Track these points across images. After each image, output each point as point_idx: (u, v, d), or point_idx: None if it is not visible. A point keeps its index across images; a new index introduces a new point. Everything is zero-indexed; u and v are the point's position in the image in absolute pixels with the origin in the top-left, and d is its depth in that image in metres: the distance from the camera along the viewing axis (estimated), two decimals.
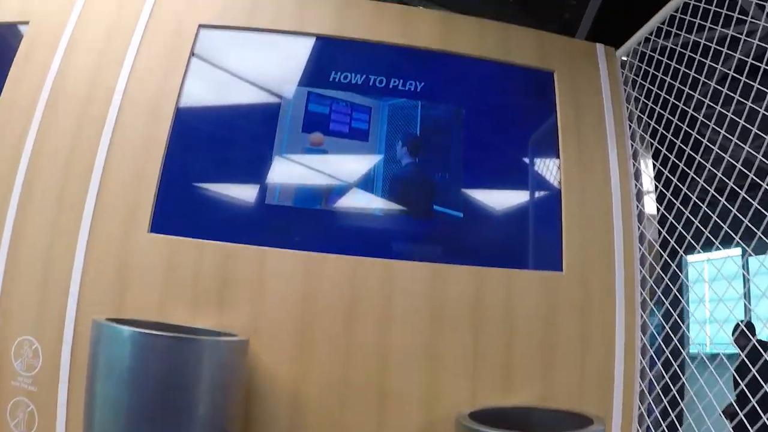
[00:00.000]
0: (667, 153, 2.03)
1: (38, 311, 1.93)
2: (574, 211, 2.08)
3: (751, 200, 1.64)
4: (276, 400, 1.88)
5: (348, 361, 1.91)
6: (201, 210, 2.08)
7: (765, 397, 1.54)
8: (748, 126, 1.68)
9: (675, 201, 1.93)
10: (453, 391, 1.92)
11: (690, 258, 2.05)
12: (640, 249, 2.06)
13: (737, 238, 1.68)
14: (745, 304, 1.83)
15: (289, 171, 2.14)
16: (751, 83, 1.68)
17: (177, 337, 1.70)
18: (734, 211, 1.70)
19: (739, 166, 1.70)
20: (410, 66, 2.24)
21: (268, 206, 2.09)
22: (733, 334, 2.20)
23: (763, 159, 1.63)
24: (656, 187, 2.07)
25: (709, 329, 1.91)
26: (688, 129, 1.95)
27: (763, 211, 1.61)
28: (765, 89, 1.67)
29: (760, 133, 1.65)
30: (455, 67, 2.26)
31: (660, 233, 2.04)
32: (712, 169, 1.82)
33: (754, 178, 1.65)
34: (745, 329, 2.23)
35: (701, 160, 1.88)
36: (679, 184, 1.96)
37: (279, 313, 1.93)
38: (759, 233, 1.60)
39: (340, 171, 2.15)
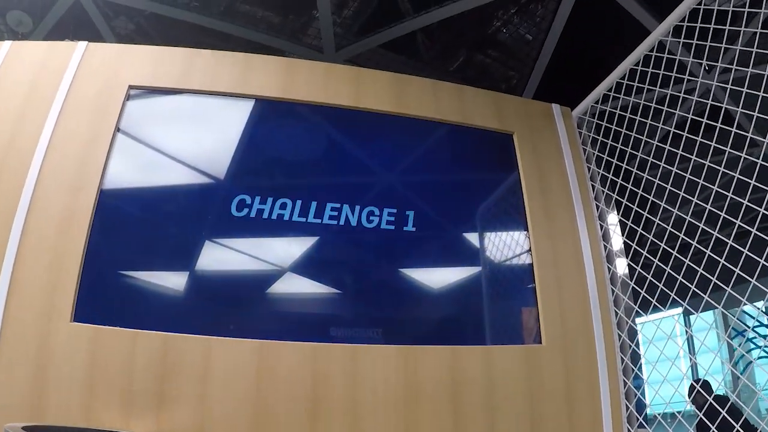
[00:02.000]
0: (623, 220, 2.01)
1: None
2: (549, 279, 1.97)
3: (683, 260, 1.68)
4: None
5: None
6: (132, 295, 1.80)
7: None
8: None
9: (634, 265, 1.90)
10: None
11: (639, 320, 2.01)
12: (616, 313, 1.97)
13: (674, 297, 1.71)
14: (690, 359, 1.82)
15: (229, 254, 1.90)
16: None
17: None
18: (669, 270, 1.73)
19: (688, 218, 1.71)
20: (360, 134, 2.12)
21: (211, 290, 1.85)
22: (689, 395, 2.16)
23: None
24: (625, 246, 2.02)
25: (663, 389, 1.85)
26: (640, 190, 1.94)
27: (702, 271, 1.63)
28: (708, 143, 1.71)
29: (707, 184, 1.67)
30: (409, 129, 2.16)
31: (634, 294, 1.98)
32: (661, 224, 1.83)
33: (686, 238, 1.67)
34: (699, 388, 2.16)
35: (650, 217, 1.88)
36: (634, 245, 1.93)
37: (229, 413, 1.64)
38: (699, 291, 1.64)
39: (286, 252, 1.93)
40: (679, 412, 1.82)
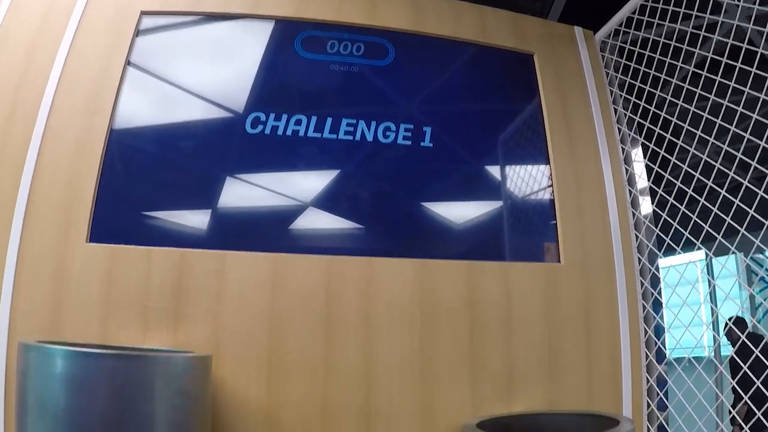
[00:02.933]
0: (645, 142, 1.95)
1: None
2: (569, 198, 1.92)
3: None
4: (247, 425, 1.59)
5: (327, 377, 1.65)
6: (146, 214, 1.78)
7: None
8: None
9: (667, 197, 1.85)
10: (450, 402, 1.68)
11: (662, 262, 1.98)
12: (637, 237, 1.93)
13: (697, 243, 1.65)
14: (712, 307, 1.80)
15: (244, 170, 1.87)
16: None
17: (124, 354, 1.40)
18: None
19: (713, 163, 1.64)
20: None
21: (226, 206, 1.81)
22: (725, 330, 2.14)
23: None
24: (647, 171, 1.98)
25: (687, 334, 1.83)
26: (662, 114, 1.88)
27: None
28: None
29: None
30: (428, 49, 2.08)
31: (655, 220, 1.94)
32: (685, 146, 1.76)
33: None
34: (732, 326, 2.13)
35: (672, 139, 1.82)
36: (660, 171, 1.88)
37: (244, 326, 1.65)
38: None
39: (301, 168, 1.89)
40: (696, 358, 1.82)
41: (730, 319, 2.20)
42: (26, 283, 1.64)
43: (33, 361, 1.30)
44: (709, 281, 1.84)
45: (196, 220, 1.80)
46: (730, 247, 1.63)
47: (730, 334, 2.10)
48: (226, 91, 1.93)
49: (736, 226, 1.62)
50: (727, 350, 2.15)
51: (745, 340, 1.72)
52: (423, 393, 1.68)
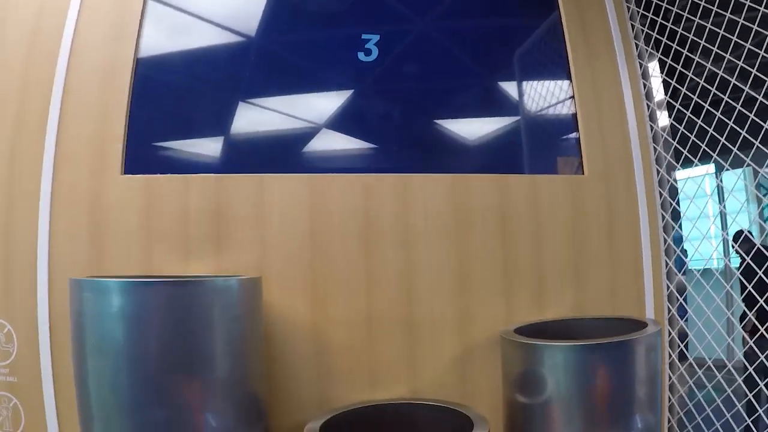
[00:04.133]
0: (662, 57, 1.97)
1: (4, 286, 1.64)
2: (590, 112, 1.96)
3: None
4: (297, 345, 1.68)
5: (370, 290, 1.72)
6: (180, 141, 1.81)
7: None
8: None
9: (684, 111, 1.89)
10: (486, 311, 1.77)
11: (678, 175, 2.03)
12: (655, 149, 1.98)
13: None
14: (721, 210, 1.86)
15: (274, 94, 1.88)
16: None
17: (179, 281, 1.42)
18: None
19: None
20: None
21: (259, 128, 1.84)
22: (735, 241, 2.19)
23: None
24: (664, 86, 2.01)
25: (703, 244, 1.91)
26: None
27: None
28: None
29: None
30: None
31: (673, 133, 1.98)
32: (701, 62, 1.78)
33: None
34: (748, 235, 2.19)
35: (689, 55, 1.83)
36: (678, 86, 1.91)
37: (286, 247, 1.71)
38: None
39: (331, 90, 1.90)
40: (716, 269, 1.89)
41: (738, 233, 2.26)
42: (63, 221, 1.66)
43: (88, 297, 1.32)
44: (718, 195, 1.88)
45: (228, 145, 1.83)
46: (744, 158, 1.68)
47: (736, 246, 2.16)
48: (249, 13, 1.91)
49: (750, 138, 1.64)
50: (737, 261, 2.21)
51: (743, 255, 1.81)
52: (461, 303, 1.76)
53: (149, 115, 1.77)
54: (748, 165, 1.71)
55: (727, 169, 1.77)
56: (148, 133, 1.77)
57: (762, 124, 1.58)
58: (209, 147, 1.82)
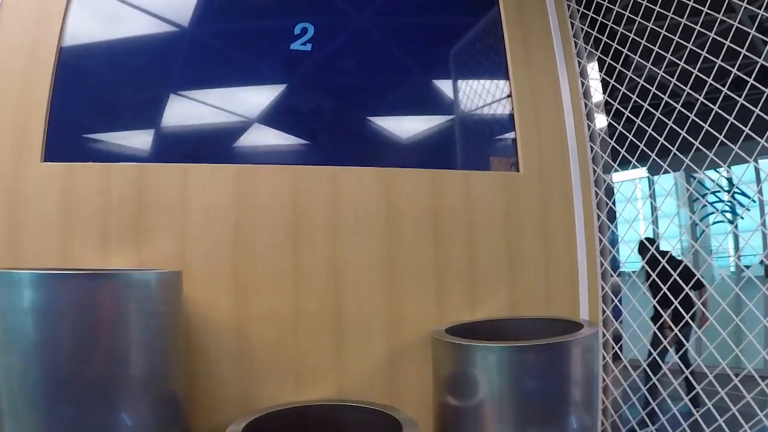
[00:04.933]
0: (602, 56, 1.99)
1: None
2: (527, 109, 1.95)
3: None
4: (219, 342, 1.60)
5: (296, 285, 1.66)
6: (104, 129, 1.72)
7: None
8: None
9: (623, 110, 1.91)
10: (417, 309, 1.73)
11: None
12: (592, 147, 1.99)
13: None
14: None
15: (200, 79, 1.81)
16: None
17: (93, 274, 1.36)
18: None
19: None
20: None
21: (183, 119, 1.76)
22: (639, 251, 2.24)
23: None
24: (603, 86, 2.02)
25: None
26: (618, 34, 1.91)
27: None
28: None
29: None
30: None
31: (610, 134, 2.00)
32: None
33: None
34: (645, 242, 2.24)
35: (632, 54, 1.85)
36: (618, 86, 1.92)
37: (210, 240, 1.64)
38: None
39: (259, 78, 1.84)
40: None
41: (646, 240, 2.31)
42: None
43: None
44: (651, 201, 1.91)
45: (154, 135, 1.75)
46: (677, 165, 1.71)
47: (640, 253, 2.21)
48: (178, 1, 1.84)
49: (691, 139, 1.68)
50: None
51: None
52: (391, 300, 1.72)
53: (72, 102, 1.69)
54: (685, 168, 1.75)
55: (667, 172, 1.79)
56: (71, 121, 1.69)
57: (702, 125, 1.60)
58: (133, 137, 1.74)
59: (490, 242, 1.82)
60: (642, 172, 1.96)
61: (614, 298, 1.94)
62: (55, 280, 1.25)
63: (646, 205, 1.96)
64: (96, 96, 1.74)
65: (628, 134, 1.86)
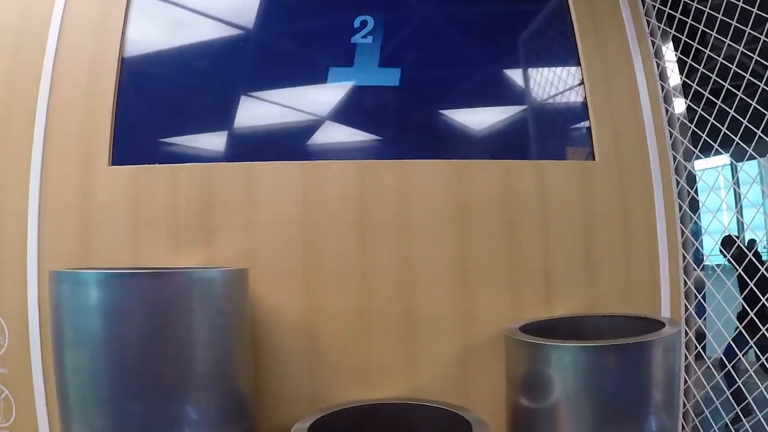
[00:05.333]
0: (677, 34, 1.85)
1: None
2: (600, 95, 1.84)
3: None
4: (287, 340, 1.59)
5: (366, 284, 1.63)
6: (169, 132, 1.74)
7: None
8: None
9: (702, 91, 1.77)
10: (490, 306, 1.66)
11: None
12: (671, 133, 1.86)
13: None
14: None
15: (270, 75, 1.80)
16: None
17: (159, 272, 1.38)
18: None
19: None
20: None
21: (247, 119, 1.76)
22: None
23: None
24: (680, 65, 1.88)
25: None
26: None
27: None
28: None
29: None
30: None
31: (689, 116, 1.86)
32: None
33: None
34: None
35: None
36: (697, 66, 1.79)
37: (278, 238, 1.63)
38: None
39: (326, 73, 1.80)
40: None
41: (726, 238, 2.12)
42: (52, 214, 1.64)
43: (65, 289, 1.29)
44: (735, 189, 1.77)
45: (219, 135, 1.77)
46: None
47: (723, 248, 2.03)
48: (236, 3, 1.84)
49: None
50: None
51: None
52: (463, 297, 1.66)
53: (137, 107, 1.73)
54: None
55: (752, 158, 1.65)
56: (136, 125, 1.73)
57: None
58: (199, 138, 1.76)
59: (565, 235, 1.73)
60: (724, 158, 1.80)
61: (697, 294, 1.81)
62: (123, 279, 1.29)
63: (730, 194, 1.82)
64: (160, 100, 1.77)
65: (709, 118, 1.72)
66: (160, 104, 1.76)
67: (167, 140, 1.74)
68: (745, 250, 1.74)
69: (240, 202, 1.63)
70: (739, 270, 1.71)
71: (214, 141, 1.75)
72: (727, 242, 1.99)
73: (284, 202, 1.64)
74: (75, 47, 1.72)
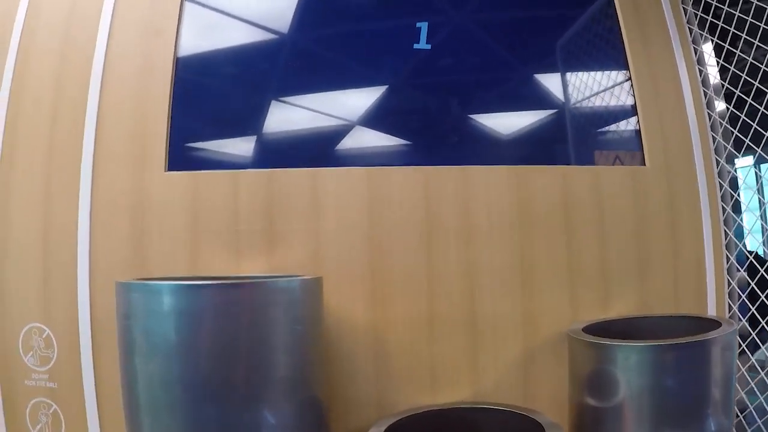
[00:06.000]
0: (719, 42, 1.90)
1: (43, 289, 1.59)
2: (649, 101, 1.87)
3: None
4: (355, 346, 1.60)
5: (431, 288, 1.64)
6: (225, 137, 1.74)
7: None
8: None
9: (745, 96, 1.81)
10: (550, 309, 1.69)
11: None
12: (714, 138, 1.91)
13: None
14: None
15: (327, 82, 1.80)
16: None
17: (236, 283, 1.36)
18: None
19: None
20: None
21: (309, 122, 1.76)
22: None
23: None
24: (720, 70, 1.93)
25: None
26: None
27: None
28: None
29: None
30: None
31: (730, 120, 1.91)
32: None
33: None
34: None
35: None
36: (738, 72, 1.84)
37: (343, 244, 1.63)
38: None
39: (381, 80, 1.81)
40: None
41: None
42: (103, 221, 1.60)
43: (138, 300, 1.27)
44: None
45: (281, 141, 1.76)
46: None
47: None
48: (286, 9, 1.83)
49: None
50: None
51: None
52: (524, 301, 1.68)
53: (192, 112, 1.71)
54: None
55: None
56: (192, 131, 1.71)
57: None
58: (257, 143, 1.75)
59: (619, 239, 1.76)
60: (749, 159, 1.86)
61: (741, 293, 1.86)
62: (199, 291, 1.26)
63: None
64: (214, 105, 1.76)
65: (750, 121, 1.77)
66: (216, 110, 1.75)
67: (225, 146, 1.74)
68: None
69: (304, 208, 1.63)
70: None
71: (275, 146, 1.75)
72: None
73: (349, 208, 1.64)
74: (126, 50, 1.70)
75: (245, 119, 1.75)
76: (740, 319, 1.85)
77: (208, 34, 1.79)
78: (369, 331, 1.60)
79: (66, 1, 1.74)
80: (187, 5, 1.77)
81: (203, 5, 1.80)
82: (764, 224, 1.92)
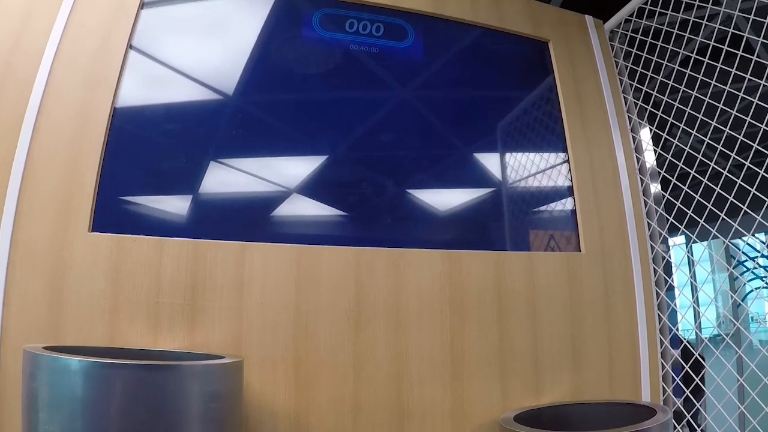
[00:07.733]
0: (657, 131, 1.97)
1: None
2: (587, 187, 1.91)
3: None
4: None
5: (358, 374, 1.57)
6: (156, 200, 1.64)
7: None
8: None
9: (679, 182, 1.87)
10: (482, 396, 1.64)
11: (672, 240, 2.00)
12: (649, 225, 1.95)
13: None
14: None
15: (265, 151, 1.75)
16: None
17: (153, 365, 1.23)
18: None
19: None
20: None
21: (246, 193, 1.70)
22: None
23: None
24: (657, 158, 2.00)
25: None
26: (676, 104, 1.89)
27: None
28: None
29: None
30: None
31: (667, 208, 1.96)
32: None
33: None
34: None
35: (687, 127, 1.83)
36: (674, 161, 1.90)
37: (268, 325, 1.55)
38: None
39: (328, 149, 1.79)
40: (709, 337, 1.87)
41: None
42: (19, 280, 1.47)
43: (43, 371, 1.15)
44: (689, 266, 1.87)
45: (211, 209, 1.68)
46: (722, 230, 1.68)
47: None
48: (231, 72, 1.80)
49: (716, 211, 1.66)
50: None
51: None
52: (455, 389, 1.63)
53: (124, 171, 1.62)
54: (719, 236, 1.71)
55: (716, 237, 1.75)
56: (121, 190, 1.61)
57: (749, 189, 1.58)
58: (187, 209, 1.67)
59: (552, 325, 1.75)
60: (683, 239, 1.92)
61: (675, 377, 1.87)
62: (110, 369, 1.14)
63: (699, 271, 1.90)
64: (148, 165, 1.67)
65: (685, 208, 1.82)
66: (149, 170, 1.66)
67: (154, 210, 1.64)
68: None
69: (230, 283, 1.55)
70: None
71: (205, 215, 1.66)
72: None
73: (276, 287, 1.57)
74: (63, 98, 1.60)
75: (178, 180, 1.67)
76: (675, 403, 1.86)
77: (150, 87, 1.72)
78: (291, 415, 1.51)
79: (12, 34, 1.63)
80: (131, 58, 1.71)
81: (150, 56, 1.73)
82: (696, 306, 1.96)
